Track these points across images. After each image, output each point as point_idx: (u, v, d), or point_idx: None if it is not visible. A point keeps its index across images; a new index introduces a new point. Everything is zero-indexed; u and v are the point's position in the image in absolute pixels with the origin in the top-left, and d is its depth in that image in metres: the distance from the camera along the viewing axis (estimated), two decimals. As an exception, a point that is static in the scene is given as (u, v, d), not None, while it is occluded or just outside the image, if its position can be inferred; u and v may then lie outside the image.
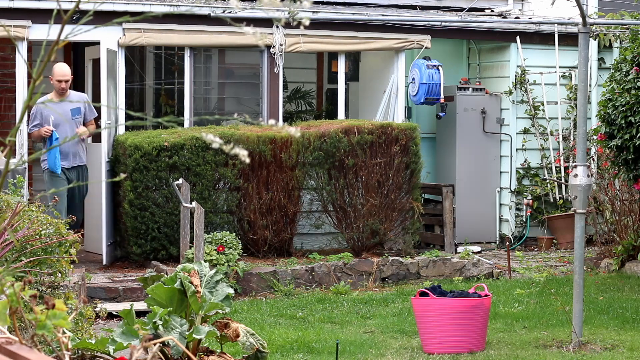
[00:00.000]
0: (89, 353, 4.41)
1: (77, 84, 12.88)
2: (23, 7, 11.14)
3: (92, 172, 11.37)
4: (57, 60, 11.30)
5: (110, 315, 8.66)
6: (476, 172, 13.45)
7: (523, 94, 13.40)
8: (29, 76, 11.06)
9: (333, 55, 13.48)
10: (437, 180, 13.57)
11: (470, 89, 13.50)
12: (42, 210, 6.31)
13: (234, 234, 10.59)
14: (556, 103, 13.45)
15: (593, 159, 12.65)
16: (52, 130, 10.65)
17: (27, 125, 10.83)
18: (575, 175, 8.11)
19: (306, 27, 11.99)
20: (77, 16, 10.48)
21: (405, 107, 13.02)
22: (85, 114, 11.00)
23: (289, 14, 2.27)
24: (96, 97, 12.10)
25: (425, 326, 7.90)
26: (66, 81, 10.71)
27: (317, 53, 14.19)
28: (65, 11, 2.19)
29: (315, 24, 12.01)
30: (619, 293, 10.28)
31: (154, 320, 4.54)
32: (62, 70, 10.80)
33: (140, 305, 5.94)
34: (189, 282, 4.80)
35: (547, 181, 13.30)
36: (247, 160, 2.27)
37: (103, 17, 11.06)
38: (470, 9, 13.30)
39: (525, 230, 13.44)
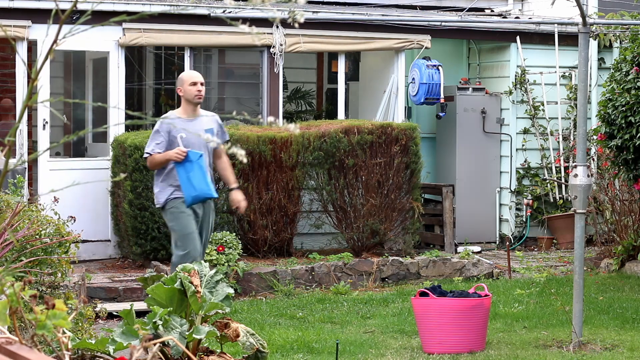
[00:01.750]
0: (89, 353, 4.40)
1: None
2: (23, 7, 11.13)
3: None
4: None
5: (110, 315, 8.66)
6: (476, 172, 13.44)
7: (523, 94, 13.40)
8: (29, 76, 11.05)
9: (333, 55, 13.47)
10: (437, 180, 13.57)
11: (470, 89, 13.50)
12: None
13: (234, 234, 10.59)
14: (556, 103, 13.44)
15: (593, 159, 12.64)
16: (186, 152, 8.17)
17: (147, 147, 8.50)
18: (575, 175, 8.11)
19: (306, 27, 12.05)
20: (77, 16, 10.48)
21: (405, 107, 13.02)
22: (218, 136, 8.47)
23: (288, 14, 2.27)
24: (97, 98, 12.10)
25: (425, 326, 7.90)
26: (202, 84, 8.49)
27: (317, 53, 14.19)
28: (63, 11, 2.19)
29: (315, 24, 12.01)
30: (619, 293, 10.28)
31: (154, 320, 4.54)
32: (193, 73, 8.76)
33: (140, 305, 5.94)
34: (189, 282, 4.80)
35: (547, 181, 13.29)
36: (245, 160, 2.27)
37: (103, 17, 11.04)
38: (470, 9, 13.30)
39: (525, 230, 13.43)
